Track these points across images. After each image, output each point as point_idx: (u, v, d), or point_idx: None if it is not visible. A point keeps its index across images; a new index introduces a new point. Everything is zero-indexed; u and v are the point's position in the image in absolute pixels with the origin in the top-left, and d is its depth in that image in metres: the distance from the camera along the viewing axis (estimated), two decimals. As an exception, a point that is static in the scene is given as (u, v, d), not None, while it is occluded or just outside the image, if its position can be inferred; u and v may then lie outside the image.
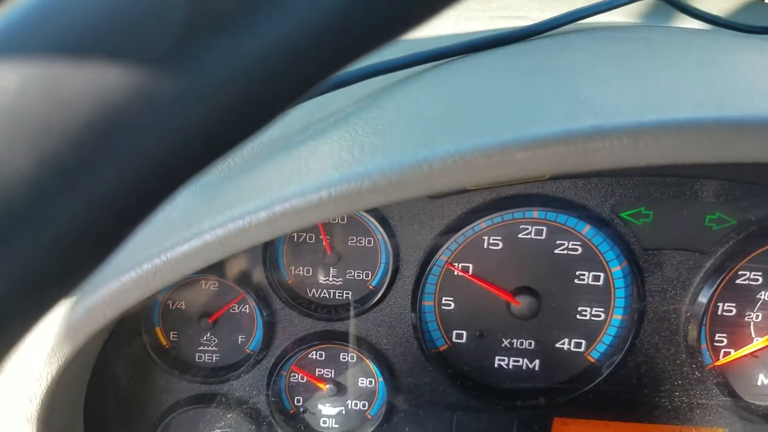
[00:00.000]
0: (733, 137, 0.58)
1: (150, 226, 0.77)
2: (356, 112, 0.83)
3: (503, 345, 1.11)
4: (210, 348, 1.12)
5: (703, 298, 1.04)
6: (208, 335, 1.12)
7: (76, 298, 0.77)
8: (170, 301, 1.10)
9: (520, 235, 1.05)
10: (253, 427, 1.13)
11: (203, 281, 1.09)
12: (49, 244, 0.28)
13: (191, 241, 0.70)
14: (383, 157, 0.66)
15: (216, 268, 1.06)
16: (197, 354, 1.13)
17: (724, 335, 1.08)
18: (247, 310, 1.11)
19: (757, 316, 1.07)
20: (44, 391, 0.83)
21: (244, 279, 1.07)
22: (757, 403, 1.11)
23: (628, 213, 1.02)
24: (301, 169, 0.72)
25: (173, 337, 1.12)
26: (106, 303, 0.74)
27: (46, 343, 0.81)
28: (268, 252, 1.06)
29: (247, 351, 1.13)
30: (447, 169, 0.63)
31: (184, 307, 1.11)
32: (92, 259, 0.31)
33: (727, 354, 1.08)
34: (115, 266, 0.75)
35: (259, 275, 1.07)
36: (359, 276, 1.10)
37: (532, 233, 1.05)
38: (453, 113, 0.74)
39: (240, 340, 1.12)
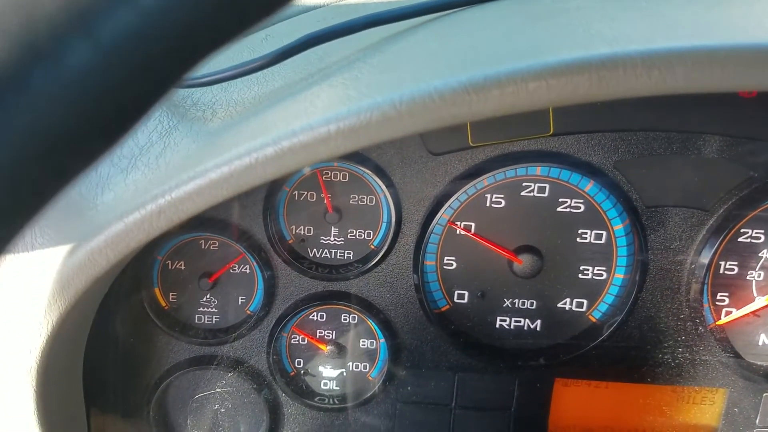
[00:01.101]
0: (747, 63, 0.58)
1: (152, 171, 0.76)
2: (361, 58, 0.82)
3: (505, 305, 1.10)
4: (210, 309, 1.11)
5: (705, 256, 1.04)
6: (208, 296, 1.11)
7: (78, 242, 0.76)
8: (169, 261, 1.09)
9: (522, 193, 1.05)
10: (254, 386, 1.12)
11: (203, 240, 1.08)
12: None
13: (196, 180, 0.69)
14: (392, 90, 0.65)
15: (216, 227, 1.05)
16: (197, 315, 1.12)
17: (726, 294, 1.08)
18: (248, 271, 1.10)
19: (759, 275, 1.07)
20: (44, 341, 0.82)
21: (244, 238, 1.06)
22: (759, 363, 1.11)
23: (631, 169, 1.02)
24: (308, 107, 0.71)
25: (172, 298, 1.11)
26: (109, 244, 0.73)
27: (47, 293, 0.79)
28: (269, 211, 1.05)
29: (248, 312, 1.12)
30: (459, 100, 0.62)
31: (183, 267, 1.09)
32: None
33: (728, 313, 1.09)
34: (117, 208, 0.74)
35: (259, 234, 1.06)
36: (361, 235, 1.09)
37: (535, 191, 1.05)
38: (463, 52, 0.73)
39: (240, 300, 1.11)
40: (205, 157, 0.72)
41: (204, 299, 1.11)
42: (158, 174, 0.76)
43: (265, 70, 0.92)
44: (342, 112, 0.65)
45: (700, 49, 0.58)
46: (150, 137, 0.84)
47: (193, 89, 0.93)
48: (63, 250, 0.78)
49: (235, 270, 1.10)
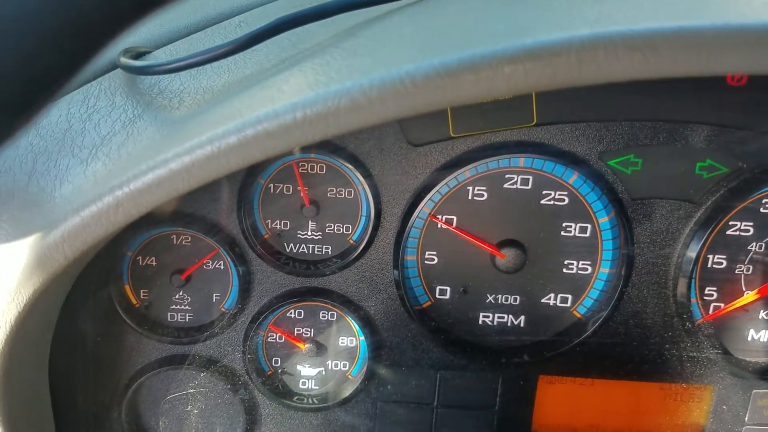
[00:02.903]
0: (734, 45, 0.54)
1: (112, 161, 0.72)
2: (334, 43, 0.78)
3: (488, 301, 1.07)
4: (183, 306, 1.07)
5: (692, 250, 1.01)
6: (181, 293, 1.07)
7: (36, 236, 0.72)
8: (140, 257, 1.05)
9: (505, 185, 1.01)
10: (228, 386, 1.09)
11: (174, 235, 1.04)
12: None
13: (156, 170, 0.65)
14: (362, 75, 0.61)
15: (188, 221, 1.01)
16: (169, 313, 1.08)
17: (714, 288, 1.05)
18: (222, 267, 1.06)
19: (748, 269, 1.04)
20: (3, 341, 0.78)
21: (218, 233, 1.02)
22: (748, 359, 1.08)
23: (616, 161, 0.99)
24: (275, 94, 0.67)
25: (143, 296, 1.07)
26: (66, 240, 0.69)
27: (3, 291, 0.75)
28: (243, 204, 1.01)
29: (222, 309, 1.08)
30: (432, 85, 0.58)
31: (154, 264, 1.05)
32: None
33: (717, 308, 1.06)
34: (74, 201, 0.70)
35: (233, 228, 1.02)
36: (339, 229, 1.05)
37: (518, 183, 1.01)
38: (439, 36, 0.70)
39: (214, 297, 1.08)
40: (167, 147, 0.68)
41: (177, 296, 1.07)
42: (119, 165, 0.72)
43: (238, 57, 0.88)
44: (309, 98, 0.61)
45: (686, 30, 0.55)
46: (113, 127, 0.81)
47: (161, 76, 0.89)
48: (19, 245, 0.74)
49: (208, 266, 1.06)
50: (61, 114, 0.85)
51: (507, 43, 0.57)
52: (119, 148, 0.76)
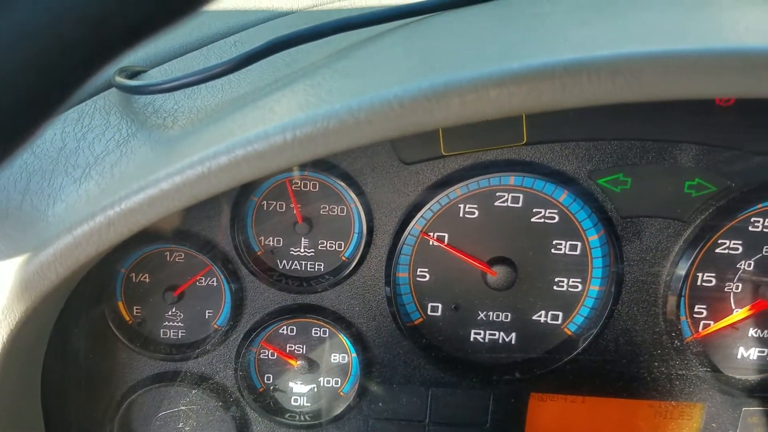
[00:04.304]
0: (716, 70, 0.56)
1: (105, 180, 0.73)
2: (326, 63, 0.79)
3: (479, 318, 1.08)
4: (176, 323, 1.08)
5: (682, 268, 1.02)
6: (174, 310, 1.07)
7: (27, 255, 0.73)
8: (133, 274, 1.05)
9: (496, 203, 1.02)
10: (220, 403, 1.09)
11: (168, 252, 1.05)
12: None
13: (147, 190, 0.66)
14: (352, 96, 0.62)
15: (181, 238, 1.02)
16: (162, 330, 1.08)
17: (704, 306, 1.06)
18: (215, 283, 1.07)
19: (737, 287, 1.05)
20: (-7, 358, 0.78)
21: (211, 250, 1.03)
22: (737, 377, 1.09)
23: (605, 179, 1.00)
24: (266, 114, 0.68)
25: (137, 312, 1.07)
26: (57, 259, 0.70)
27: (-3, 307, 0.76)
28: (236, 221, 1.02)
29: (215, 326, 1.08)
30: (419, 107, 0.59)
31: (147, 280, 1.06)
32: None
33: (707, 326, 1.06)
34: (67, 220, 0.71)
35: (226, 245, 1.03)
36: (332, 246, 1.06)
37: (509, 201, 1.02)
38: (429, 58, 0.71)
39: (207, 314, 1.08)
40: (159, 166, 0.69)
41: (169, 313, 1.07)
42: (111, 184, 0.73)
43: (232, 77, 0.89)
44: (299, 120, 0.62)
45: (669, 54, 0.56)
46: (107, 146, 0.81)
47: (156, 96, 0.90)
48: (12, 263, 0.74)
49: (201, 282, 1.06)
50: (56, 133, 0.86)
51: (493, 67, 0.58)
52: (112, 167, 0.77)
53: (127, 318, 1.07)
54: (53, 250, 0.70)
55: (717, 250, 1.03)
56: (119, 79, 0.90)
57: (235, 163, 0.63)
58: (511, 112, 0.60)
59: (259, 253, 1.06)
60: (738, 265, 1.04)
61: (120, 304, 1.06)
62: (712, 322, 1.06)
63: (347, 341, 1.09)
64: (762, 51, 0.55)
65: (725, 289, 1.05)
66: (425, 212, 1.02)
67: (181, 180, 0.65)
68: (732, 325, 1.06)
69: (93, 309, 1.02)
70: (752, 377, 1.09)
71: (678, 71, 0.56)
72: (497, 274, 1.04)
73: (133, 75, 0.95)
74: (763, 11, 0.69)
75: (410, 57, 0.74)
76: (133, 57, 1.01)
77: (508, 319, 1.08)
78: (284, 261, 1.06)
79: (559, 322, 1.07)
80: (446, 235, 1.04)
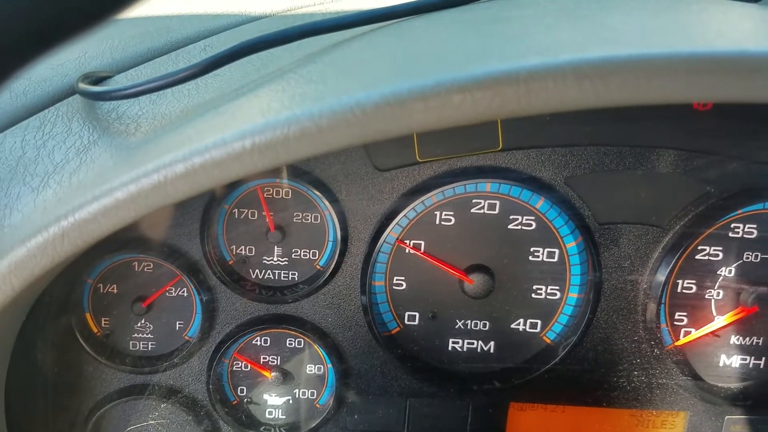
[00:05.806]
0: (683, 73, 0.54)
1: (63, 189, 0.71)
2: (293, 69, 0.77)
3: (457, 327, 1.06)
4: (145, 335, 1.05)
5: (661, 274, 1.00)
6: (143, 321, 1.04)
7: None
8: (101, 285, 1.02)
9: (473, 210, 1.00)
10: (191, 417, 1.06)
11: (136, 262, 1.02)
12: None
13: (101, 199, 0.63)
14: (315, 102, 0.60)
15: (149, 248, 0.99)
16: (131, 341, 1.05)
17: (684, 314, 1.04)
18: (185, 294, 1.04)
19: (718, 294, 1.03)
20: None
21: (179, 259, 1.00)
22: (720, 384, 1.07)
23: (582, 185, 0.98)
24: (227, 120, 0.66)
25: (105, 324, 1.04)
26: (12, 271, 0.67)
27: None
28: (206, 230, 0.99)
29: (186, 337, 1.06)
30: (382, 114, 0.57)
31: (115, 291, 1.03)
32: None
33: (687, 333, 1.05)
34: (22, 231, 0.68)
35: (196, 255, 1.00)
36: (305, 255, 1.03)
37: (485, 208, 1.00)
38: (392, 63, 0.69)
39: (178, 325, 1.05)
40: (117, 174, 0.66)
41: (138, 324, 1.04)
42: (68, 193, 0.71)
43: (199, 81, 0.87)
44: (258, 126, 0.60)
45: (635, 58, 0.54)
46: (67, 153, 0.79)
47: (120, 102, 0.87)
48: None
49: (171, 293, 1.04)
50: (16, 141, 0.83)
51: (457, 72, 0.56)
52: (71, 176, 0.74)
53: (95, 330, 1.04)
54: (7, 262, 0.67)
55: (697, 257, 1.01)
56: (82, 86, 0.87)
57: (192, 171, 0.61)
58: (479, 118, 0.58)
59: (230, 263, 1.03)
60: (719, 272, 1.02)
61: (87, 315, 1.03)
62: (693, 330, 1.05)
63: (323, 352, 1.07)
64: (731, 54, 0.53)
65: (706, 296, 1.04)
66: (401, 219, 1.00)
67: (137, 189, 0.62)
68: (713, 333, 1.05)
69: (59, 321, 0.99)
70: (735, 385, 1.07)
71: (645, 75, 0.54)
72: (474, 282, 1.02)
73: (98, 81, 0.93)
74: (731, 14, 0.68)
75: (377, 62, 0.72)
76: (100, 62, 0.98)
77: (487, 328, 1.06)
78: (257, 270, 1.04)
79: (538, 330, 1.05)
80: (423, 243, 1.02)
